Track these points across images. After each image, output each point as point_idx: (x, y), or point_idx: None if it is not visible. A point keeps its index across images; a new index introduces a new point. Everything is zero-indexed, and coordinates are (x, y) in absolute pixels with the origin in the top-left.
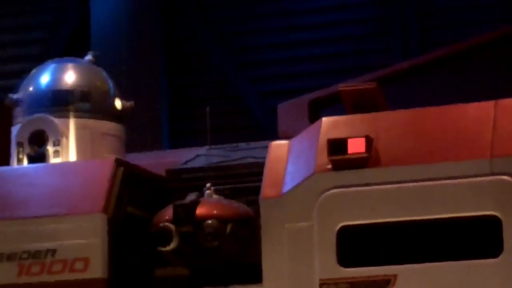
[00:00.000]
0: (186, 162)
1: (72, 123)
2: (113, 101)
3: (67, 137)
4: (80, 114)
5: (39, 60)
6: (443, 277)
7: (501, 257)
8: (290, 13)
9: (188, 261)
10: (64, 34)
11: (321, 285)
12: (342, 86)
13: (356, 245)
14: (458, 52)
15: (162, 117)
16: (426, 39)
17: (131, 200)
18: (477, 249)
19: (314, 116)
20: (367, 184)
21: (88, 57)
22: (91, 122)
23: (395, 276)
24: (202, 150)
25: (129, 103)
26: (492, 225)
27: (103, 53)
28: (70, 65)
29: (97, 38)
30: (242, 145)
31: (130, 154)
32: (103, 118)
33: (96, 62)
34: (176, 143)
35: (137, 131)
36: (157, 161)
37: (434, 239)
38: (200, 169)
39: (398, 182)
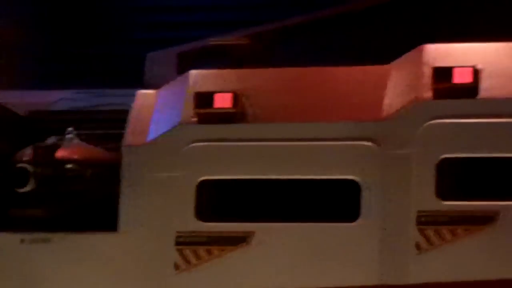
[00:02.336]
0: (49, 104)
1: None
2: None
3: None
4: None
5: None
6: (300, 237)
7: (358, 221)
8: None
9: (46, 204)
10: None
11: (177, 237)
12: (213, 40)
13: (216, 200)
14: (345, 13)
15: (30, 55)
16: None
17: None
18: (335, 212)
19: (183, 68)
20: (230, 140)
21: None
22: None
23: (252, 233)
24: (66, 94)
25: None
26: (352, 190)
27: None
28: None
29: None
30: (108, 91)
31: None
32: None
33: None
34: (45, 85)
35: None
36: (21, 100)
37: (293, 199)
38: (64, 112)
39: (262, 140)
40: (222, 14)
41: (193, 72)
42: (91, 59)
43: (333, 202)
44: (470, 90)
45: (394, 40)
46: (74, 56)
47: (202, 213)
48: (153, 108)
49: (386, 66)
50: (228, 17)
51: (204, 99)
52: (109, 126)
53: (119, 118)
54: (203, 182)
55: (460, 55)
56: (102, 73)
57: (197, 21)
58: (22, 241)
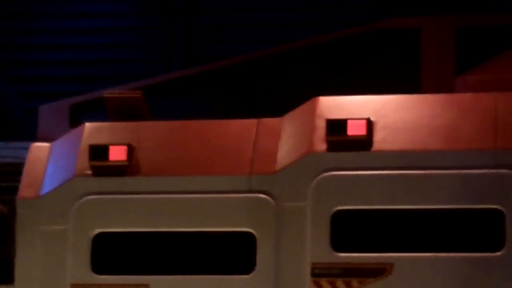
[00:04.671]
0: None
1: None
2: None
3: None
4: None
5: None
6: None
7: (253, 273)
8: (59, 15)
9: None
10: None
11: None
12: (106, 93)
13: (113, 253)
14: (226, 67)
15: None
16: (190, 53)
17: None
18: (230, 265)
19: (75, 120)
20: (125, 192)
21: None
22: None
23: (147, 285)
24: None
25: None
26: (246, 242)
27: None
28: None
29: None
30: (1, 144)
31: None
32: None
33: None
34: None
35: None
36: None
37: (189, 252)
38: None
39: (156, 193)
40: (92, 69)
41: (87, 125)
42: None
43: (227, 255)
44: (364, 142)
45: (284, 93)
46: None
47: (98, 267)
48: (48, 161)
49: (279, 118)
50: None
51: (98, 151)
52: (2, 179)
53: (13, 170)
54: (98, 235)
55: (352, 107)
56: None
57: (77, 75)
58: None
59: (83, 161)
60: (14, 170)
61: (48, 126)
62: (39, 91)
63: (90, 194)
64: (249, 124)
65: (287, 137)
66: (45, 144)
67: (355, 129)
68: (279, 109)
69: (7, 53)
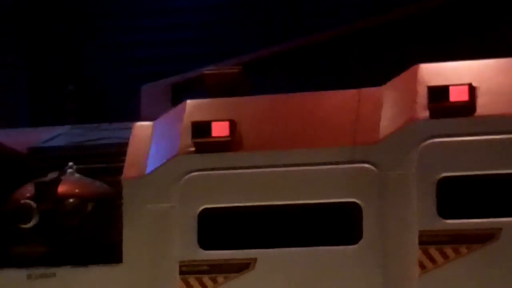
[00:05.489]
0: (47, 141)
1: None
2: None
3: None
4: None
5: None
6: (303, 262)
7: (360, 243)
8: None
9: (48, 239)
10: None
11: (180, 266)
12: (206, 70)
13: (217, 228)
14: (323, 40)
15: (20, 96)
16: (290, 27)
17: None
18: (337, 236)
19: (177, 99)
20: (229, 168)
21: None
22: None
23: (254, 260)
24: (63, 129)
25: None
26: (352, 212)
27: None
28: None
29: None
30: (104, 125)
31: None
32: None
33: None
34: (36, 124)
35: None
36: (18, 138)
37: (294, 224)
38: (62, 147)
39: (259, 167)
40: (209, 46)
41: (189, 102)
42: (83, 96)
43: (333, 226)
44: (467, 108)
45: (383, 62)
46: (67, 94)
47: (204, 242)
48: (150, 140)
49: (380, 88)
50: (214, 50)
51: (201, 128)
52: (107, 160)
53: (117, 151)
54: (204, 211)
55: (453, 73)
56: (97, 109)
57: (186, 54)
58: (29, 276)
59: (185, 139)
60: (118, 151)
61: (150, 106)
62: (140, 72)
63: (194, 171)
64: (350, 95)
65: (389, 106)
66: (148, 123)
67: (457, 95)
68: (380, 79)
69: (109, 36)
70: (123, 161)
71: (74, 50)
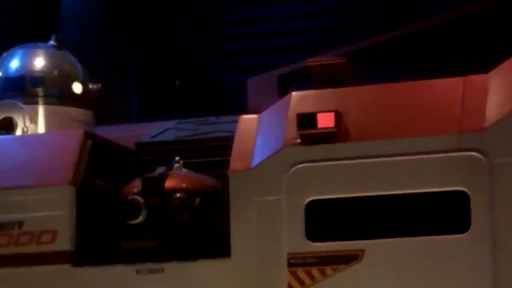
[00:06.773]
0: (155, 136)
1: (41, 109)
2: (81, 86)
3: (36, 124)
4: (49, 100)
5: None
6: (410, 252)
7: (468, 232)
8: None
9: (156, 234)
10: (26, 20)
11: (289, 259)
12: (311, 61)
13: (324, 219)
14: (427, 28)
15: (131, 91)
16: (395, 16)
17: (99, 173)
18: (444, 224)
19: (284, 90)
20: (335, 159)
21: (52, 41)
22: (59, 109)
23: (362, 250)
24: (171, 124)
25: (96, 87)
26: (460, 201)
27: (71, 34)
28: (37, 51)
29: (67, 21)
30: (211, 119)
31: (99, 127)
32: (71, 105)
33: (61, 45)
34: (145, 118)
35: (107, 106)
36: (126, 134)
37: (402, 214)
38: (169, 142)
39: (366, 157)
40: (297, 38)
41: (294, 94)
42: (189, 89)
43: (440, 215)
44: None
45: (485, 50)
46: (173, 88)
47: (312, 234)
48: (256, 133)
49: (485, 75)
50: (317, 40)
51: (307, 120)
52: (214, 153)
53: (224, 144)
54: (311, 203)
55: None
56: (203, 103)
57: (291, 45)
58: (138, 272)
59: (291, 130)
60: (226, 144)
61: (257, 98)
62: (246, 64)
63: (300, 162)
64: (455, 83)
65: (495, 93)
66: (254, 116)
67: None
68: (485, 66)
69: (214, 29)
70: (230, 154)
71: (183, 44)
